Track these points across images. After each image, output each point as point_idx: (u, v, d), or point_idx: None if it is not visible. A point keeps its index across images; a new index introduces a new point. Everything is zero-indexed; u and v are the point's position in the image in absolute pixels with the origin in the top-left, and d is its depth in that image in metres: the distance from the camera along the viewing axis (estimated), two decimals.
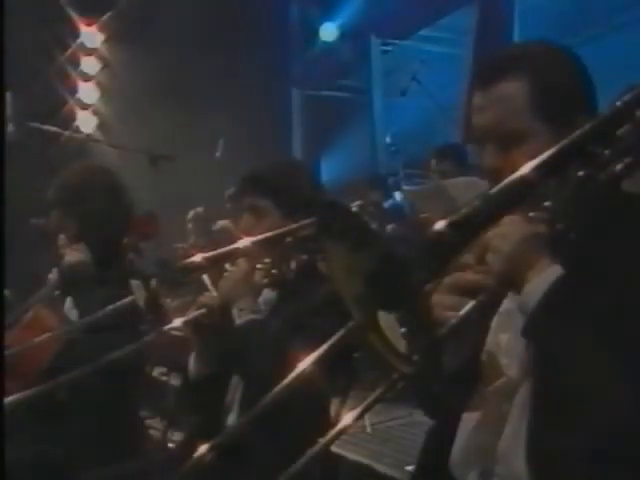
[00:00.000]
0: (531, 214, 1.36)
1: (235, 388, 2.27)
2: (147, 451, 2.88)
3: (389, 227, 5.18)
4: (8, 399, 2.20)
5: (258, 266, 2.21)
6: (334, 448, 2.50)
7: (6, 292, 3.28)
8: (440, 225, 1.17)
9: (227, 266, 2.21)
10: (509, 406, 1.48)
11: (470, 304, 1.34)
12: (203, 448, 1.65)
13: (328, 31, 8.78)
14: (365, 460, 3.39)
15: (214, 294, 2.13)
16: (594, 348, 1.27)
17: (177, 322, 2.07)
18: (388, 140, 7.01)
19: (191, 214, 6.40)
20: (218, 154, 6.07)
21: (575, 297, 1.32)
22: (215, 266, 2.19)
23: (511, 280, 1.37)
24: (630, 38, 5.77)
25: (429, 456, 1.66)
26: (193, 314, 2.10)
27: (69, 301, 3.07)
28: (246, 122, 7.45)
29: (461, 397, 1.60)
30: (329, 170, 8.38)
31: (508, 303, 1.51)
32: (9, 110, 4.61)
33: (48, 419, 2.72)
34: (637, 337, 1.27)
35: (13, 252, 3.26)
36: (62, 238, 2.99)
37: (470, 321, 1.37)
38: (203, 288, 2.14)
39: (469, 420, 1.56)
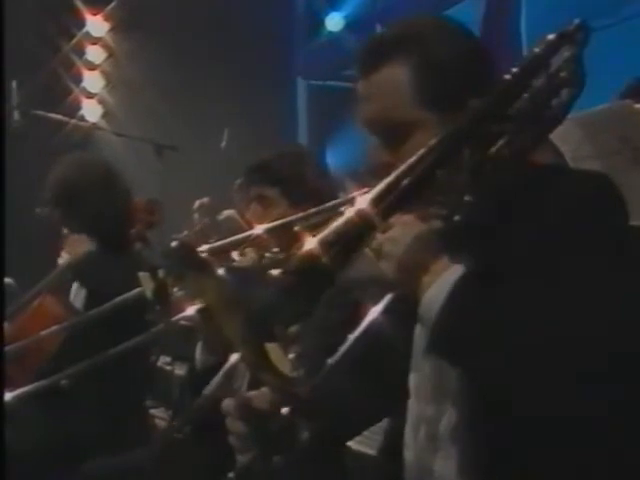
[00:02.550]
0: (425, 211, 1.24)
1: (242, 377, 2.26)
2: (152, 440, 2.88)
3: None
4: (20, 391, 2.20)
5: (267, 255, 2.20)
6: None
7: (11, 281, 3.29)
8: (277, 272, 1.10)
9: (234, 256, 2.19)
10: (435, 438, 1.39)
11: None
12: None
13: (334, 21, 8.72)
14: (370, 451, 3.39)
15: None
16: (508, 349, 1.14)
17: (189, 311, 2.05)
18: None
19: (197, 204, 6.38)
20: (223, 144, 6.05)
21: (481, 296, 1.18)
22: (221, 256, 2.18)
23: (409, 288, 1.23)
24: (638, 29, 5.74)
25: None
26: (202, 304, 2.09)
27: (75, 289, 3.07)
28: (251, 112, 7.43)
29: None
30: (334, 160, 8.35)
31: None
32: (14, 98, 4.60)
33: (51, 407, 2.72)
34: (553, 328, 1.14)
35: (19, 241, 3.26)
36: (65, 230, 3.00)
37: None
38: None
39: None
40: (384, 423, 1.71)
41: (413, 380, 1.47)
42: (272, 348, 1.12)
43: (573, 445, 1.16)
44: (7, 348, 2.39)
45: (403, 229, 1.25)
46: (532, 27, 6.61)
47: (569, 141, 1.85)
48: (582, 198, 1.29)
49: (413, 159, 1.19)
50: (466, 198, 1.20)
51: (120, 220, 3.04)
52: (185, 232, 2.46)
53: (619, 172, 1.67)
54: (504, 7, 7.09)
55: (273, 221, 2.17)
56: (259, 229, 2.04)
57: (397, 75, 1.38)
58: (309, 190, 2.29)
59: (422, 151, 1.20)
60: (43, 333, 2.56)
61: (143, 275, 2.10)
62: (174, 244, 1.30)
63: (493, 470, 1.29)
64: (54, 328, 2.58)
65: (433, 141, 1.20)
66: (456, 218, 1.21)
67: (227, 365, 1.52)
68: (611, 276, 1.20)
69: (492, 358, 1.15)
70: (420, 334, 1.38)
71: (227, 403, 1.41)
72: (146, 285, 2.07)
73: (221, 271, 1.61)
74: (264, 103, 7.77)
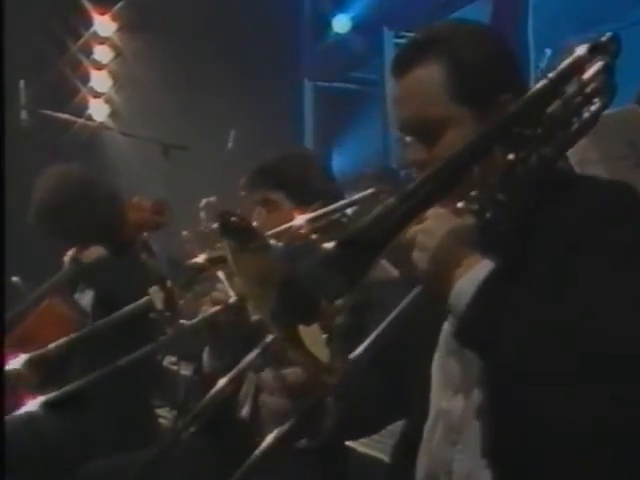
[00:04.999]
0: (459, 205, 1.29)
1: (250, 382, 2.25)
2: (156, 440, 2.88)
3: None
4: (48, 396, 2.21)
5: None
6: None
7: (18, 279, 3.30)
8: (330, 245, 1.12)
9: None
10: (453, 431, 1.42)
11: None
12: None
13: (341, 23, 8.72)
14: (377, 454, 3.38)
15: (229, 290, 2.11)
16: (534, 343, 1.18)
17: (200, 317, 2.06)
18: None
19: (203, 202, 6.38)
20: (230, 145, 6.06)
21: (509, 291, 1.22)
22: (222, 263, 2.17)
23: (440, 280, 1.27)
24: None
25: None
26: (210, 311, 2.08)
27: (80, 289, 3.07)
28: (258, 112, 7.44)
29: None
30: (340, 162, 8.35)
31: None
32: (22, 98, 4.62)
33: (56, 407, 2.73)
34: (575, 327, 1.17)
35: (25, 240, 3.26)
36: None
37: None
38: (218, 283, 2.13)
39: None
40: (393, 427, 1.72)
41: (437, 362, 1.49)
42: (309, 331, 1.14)
43: (591, 445, 1.20)
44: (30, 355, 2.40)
45: (437, 222, 1.28)
46: (539, 31, 6.59)
47: (576, 145, 1.85)
48: (603, 203, 1.33)
49: (448, 156, 1.24)
50: (499, 197, 1.25)
51: (109, 226, 3.05)
52: (184, 232, 2.46)
53: (624, 177, 1.68)
54: (511, 11, 7.07)
55: (279, 225, 2.17)
56: (300, 219, 2.01)
57: (430, 74, 1.47)
58: (314, 193, 2.29)
59: (457, 149, 1.24)
60: (51, 345, 2.54)
61: (153, 290, 2.10)
62: (234, 219, 1.31)
63: (511, 464, 1.32)
64: (64, 340, 2.55)
65: (468, 140, 1.26)
66: (487, 215, 1.26)
67: (236, 369, 1.52)
68: (629, 278, 1.24)
69: (517, 352, 1.18)
70: (449, 324, 1.41)
71: (264, 376, 1.42)
72: (156, 298, 2.08)
73: (273, 242, 1.63)
74: (270, 104, 7.77)
